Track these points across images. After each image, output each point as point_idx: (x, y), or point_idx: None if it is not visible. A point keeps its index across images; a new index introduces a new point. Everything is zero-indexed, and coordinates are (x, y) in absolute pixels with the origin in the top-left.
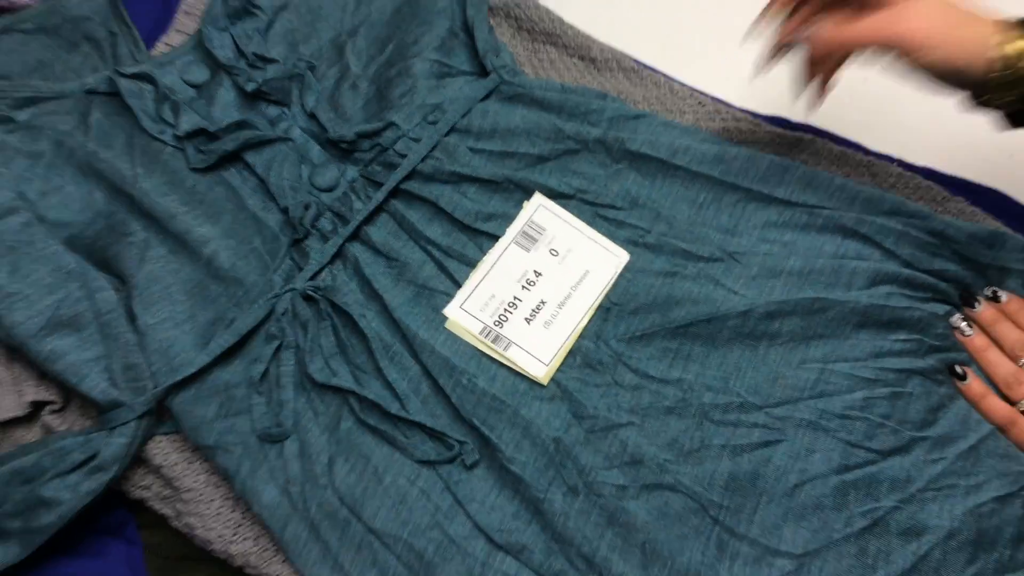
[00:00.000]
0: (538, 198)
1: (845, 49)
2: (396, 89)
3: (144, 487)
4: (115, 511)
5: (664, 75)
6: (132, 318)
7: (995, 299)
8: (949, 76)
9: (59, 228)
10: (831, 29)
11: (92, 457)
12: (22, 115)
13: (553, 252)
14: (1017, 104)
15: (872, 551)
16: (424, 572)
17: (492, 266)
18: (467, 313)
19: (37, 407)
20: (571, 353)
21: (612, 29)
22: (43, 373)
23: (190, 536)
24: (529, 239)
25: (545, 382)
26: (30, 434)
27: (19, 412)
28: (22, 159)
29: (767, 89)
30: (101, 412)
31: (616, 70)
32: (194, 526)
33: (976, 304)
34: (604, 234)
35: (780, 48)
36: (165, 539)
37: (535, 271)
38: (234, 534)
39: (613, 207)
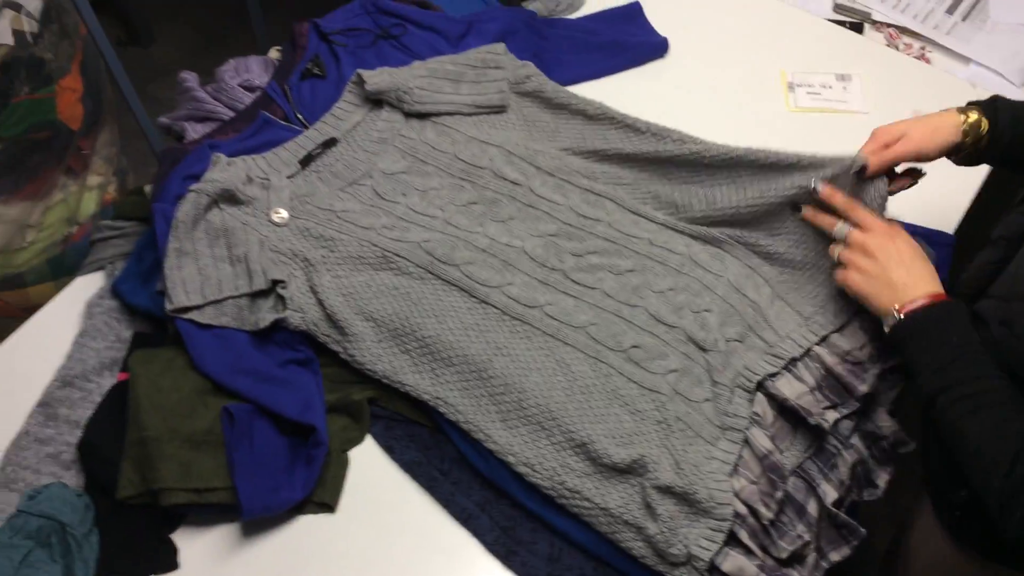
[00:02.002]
0: None
1: (889, 163)
2: None
3: (326, 335)
4: (306, 351)
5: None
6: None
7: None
8: (946, 154)
9: None
10: (879, 154)
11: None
12: None
13: None
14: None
15: None
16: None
17: None
18: None
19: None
20: None
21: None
22: None
23: (351, 362)
24: None
25: None
26: None
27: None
28: None
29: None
30: None
31: None
32: (354, 355)
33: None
34: None
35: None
36: (333, 371)
37: None
38: (377, 359)
39: None
